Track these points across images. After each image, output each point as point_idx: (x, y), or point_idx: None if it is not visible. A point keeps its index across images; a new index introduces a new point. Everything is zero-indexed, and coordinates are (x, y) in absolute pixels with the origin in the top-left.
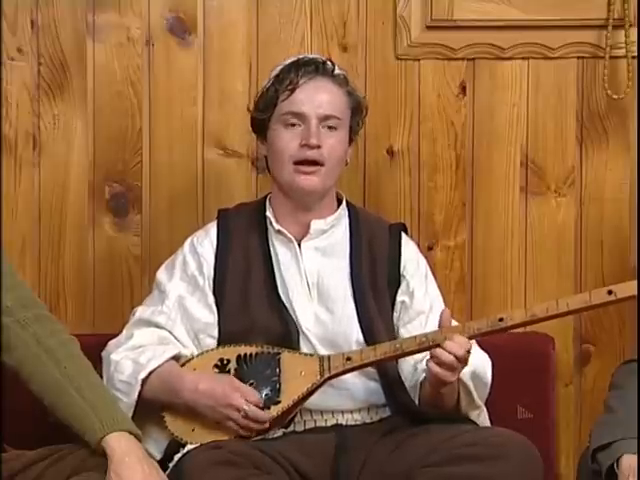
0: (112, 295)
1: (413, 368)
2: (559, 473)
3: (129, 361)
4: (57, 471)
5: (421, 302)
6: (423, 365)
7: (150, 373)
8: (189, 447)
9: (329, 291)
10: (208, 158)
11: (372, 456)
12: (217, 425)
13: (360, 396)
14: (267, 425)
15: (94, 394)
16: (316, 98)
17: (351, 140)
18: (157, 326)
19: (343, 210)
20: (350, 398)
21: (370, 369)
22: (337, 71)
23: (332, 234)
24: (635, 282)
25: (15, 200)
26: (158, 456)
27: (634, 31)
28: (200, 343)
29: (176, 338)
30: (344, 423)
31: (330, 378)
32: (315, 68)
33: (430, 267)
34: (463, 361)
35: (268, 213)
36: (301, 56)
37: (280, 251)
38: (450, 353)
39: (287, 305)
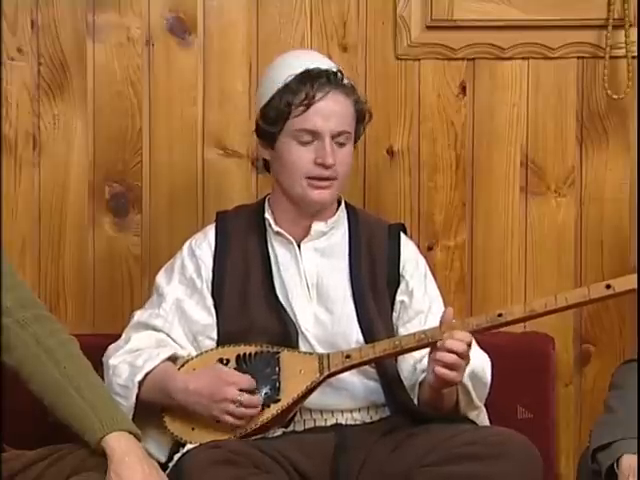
0: (112, 295)
1: (412, 368)
2: (559, 473)
3: (126, 365)
4: (57, 471)
5: (420, 302)
6: (422, 365)
7: (146, 375)
8: (189, 447)
9: (328, 292)
10: (208, 158)
11: (372, 455)
12: (216, 424)
13: (360, 396)
14: (259, 408)
15: (94, 394)
16: (330, 116)
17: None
18: (154, 329)
19: (342, 212)
20: (350, 398)
21: (369, 369)
22: (345, 80)
23: (332, 235)
24: (634, 276)
25: (15, 200)
26: (162, 458)
27: (634, 31)
28: (199, 345)
29: (174, 340)
30: (344, 423)
31: (330, 376)
32: (327, 80)
33: (430, 267)
34: (465, 357)
35: (267, 215)
36: (311, 66)
37: (279, 252)
38: (451, 352)
39: (286, 306)
